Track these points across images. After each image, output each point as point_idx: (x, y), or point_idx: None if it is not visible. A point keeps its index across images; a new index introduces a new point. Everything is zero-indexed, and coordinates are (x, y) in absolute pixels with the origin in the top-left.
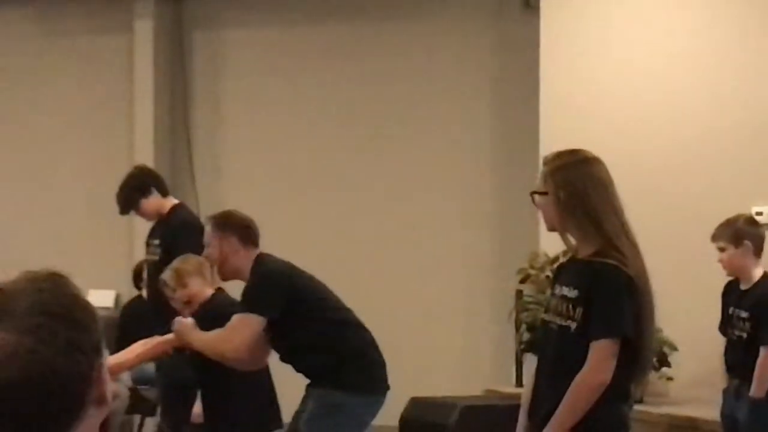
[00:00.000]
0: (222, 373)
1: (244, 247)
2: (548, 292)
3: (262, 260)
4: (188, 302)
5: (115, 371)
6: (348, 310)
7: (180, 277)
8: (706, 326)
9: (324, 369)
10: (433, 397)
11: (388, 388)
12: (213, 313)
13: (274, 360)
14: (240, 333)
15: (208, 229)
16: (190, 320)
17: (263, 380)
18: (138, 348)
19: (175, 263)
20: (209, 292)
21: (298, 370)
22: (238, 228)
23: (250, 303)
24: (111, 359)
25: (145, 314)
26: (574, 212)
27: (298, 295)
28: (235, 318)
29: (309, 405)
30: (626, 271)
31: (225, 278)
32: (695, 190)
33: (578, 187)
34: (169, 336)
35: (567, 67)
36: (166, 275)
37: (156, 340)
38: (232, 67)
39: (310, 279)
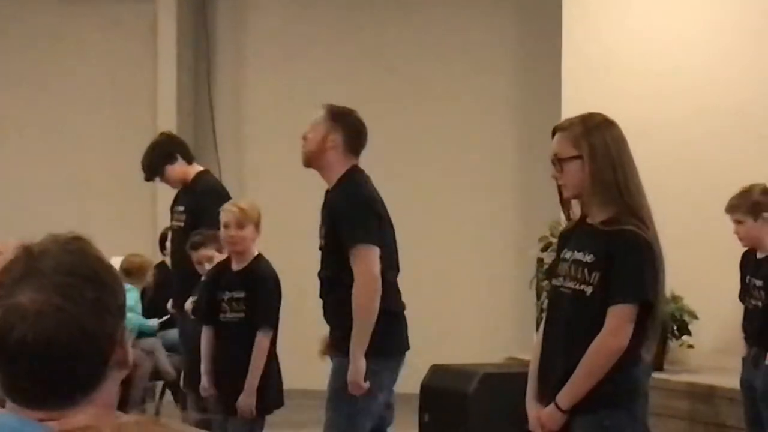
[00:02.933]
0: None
1: (344, 152)
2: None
3: (357, 178)
4: (233, 245)
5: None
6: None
7: (242, 218)
8: (726, 294)
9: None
10: (454, 364)
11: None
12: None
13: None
14: (372, 267)
15: (319, 113)
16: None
17: (276, 358)
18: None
19: (243, 204)
20: (255, 251)
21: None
22: (350, 130)
23: (362, 233)
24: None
25: (168, 280)
26: (606, 174)
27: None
28: (360, 252)
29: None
30: (645, 236)
31: (308, 165)
32: (715, 158)
33: (611, 148)
34: None
35: (589, 39)
36: (226, 214)
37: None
38: (255, 32)
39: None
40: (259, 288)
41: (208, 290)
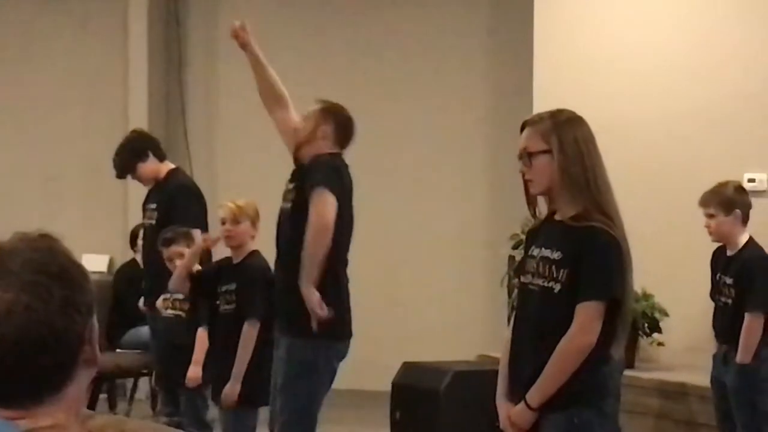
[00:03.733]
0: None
1: (333, 143)
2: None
3: (339, 161)
4: (229, 240)
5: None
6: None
7: (238, 213)
8: (697, 292)
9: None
10: (426, 362)
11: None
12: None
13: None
14: (328, 209)
15: (313, 106)
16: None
17: (268, 355)
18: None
19: (240, 201)
20: (252, 246)
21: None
22: (341, 124)
23: (326, 181)
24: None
25: (137, 278)
26: (575, 169)
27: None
28: (320, 194)
29: (282, 360)
30: (614, 233)
31: (297, 155)
32: (687, 157)
33: (580, 143)
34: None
35: (561, 36)
36: (224, 208)
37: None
38: (226, 30)
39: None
40: (248, 280)
41: (207, 290)
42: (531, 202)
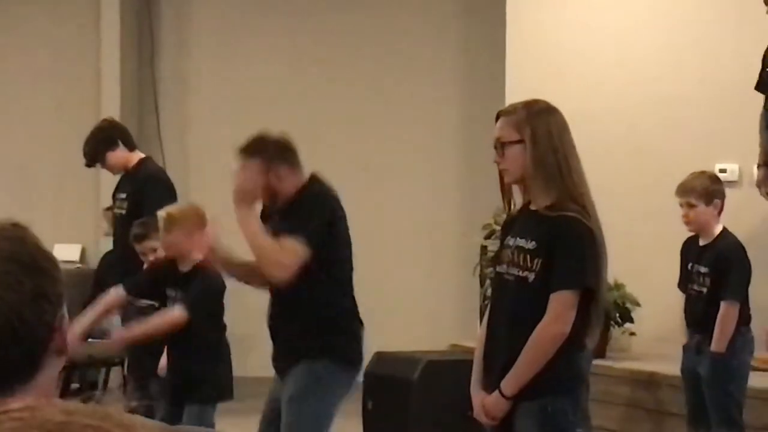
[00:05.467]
0: (193, 333)
1: (294, 172)
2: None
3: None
4: (164, 250)
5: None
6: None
7: (167, 223)
8: (668, 282)
9: (318, 335)
10: (398, 351)
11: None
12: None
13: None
14: (296, 257)
15: (245, 162)
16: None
17: (227, 349)
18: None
19: (173, 209)
20: (197, 256)
21: (286, 334)
22: (283, 153)
23: (304, 230)
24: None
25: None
26: (547, 159)
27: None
28: (292, 241)
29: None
30: (587, 223)
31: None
32: (659, 148)
33: (553, 134)
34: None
35: (534, 26)
36: (159, 217)
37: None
38: (198, 20)
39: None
40: (194, 299)
41: (155, 281)
42: (505, 192)
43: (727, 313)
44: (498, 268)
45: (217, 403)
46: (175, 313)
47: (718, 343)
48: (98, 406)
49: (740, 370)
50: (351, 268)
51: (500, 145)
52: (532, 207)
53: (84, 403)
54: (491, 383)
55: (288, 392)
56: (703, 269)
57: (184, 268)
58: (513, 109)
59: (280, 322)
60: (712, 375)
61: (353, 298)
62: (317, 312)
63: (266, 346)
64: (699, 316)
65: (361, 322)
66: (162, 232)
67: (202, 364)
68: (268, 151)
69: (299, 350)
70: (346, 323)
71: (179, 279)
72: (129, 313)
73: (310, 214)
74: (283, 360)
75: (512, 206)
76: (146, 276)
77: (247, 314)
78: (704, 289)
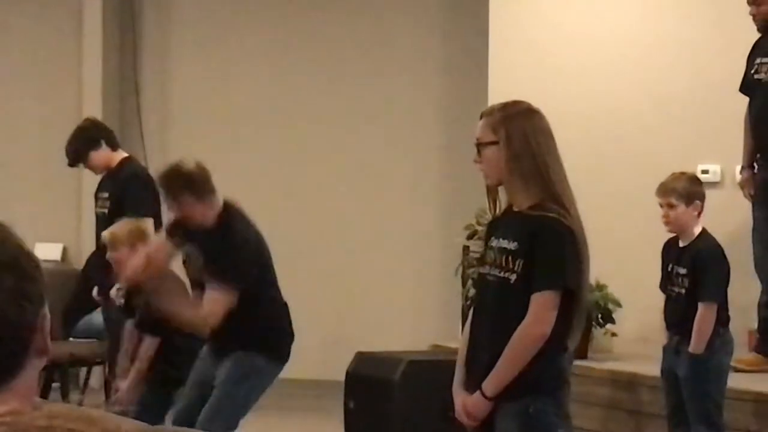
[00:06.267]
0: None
1: (199, 201)
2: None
3: (230, 220)
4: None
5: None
6: (277, 287)
7: (111, 242)
8: (650, 283)
9: (252, 334)
10: (379, 351)
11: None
12: None
13: None
14: (221, 306)
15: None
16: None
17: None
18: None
19: (115, 228)
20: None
21: (221, 334)
22: (192, 185)
23: (226, 274)
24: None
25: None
26: (523, 161)
27: (263, 271)
28: (214, 292)
29: (225, 366)
30: (568, 223)
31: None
32: (641, 148)
33: (528, 136)
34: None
35: (516, 25)
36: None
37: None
38: (181, 18)
39: (267, 248)
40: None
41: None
42: (489, 193)
43: (704, 314)
44: (481, 269)
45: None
46: (151, 345)
47: (695, 344)
48: (81, 409)
49: (718, 371)
50: (274, 279)
51: (477, 147)
52: (515, 208)
53: (64, 404)
54: (473, 384)
55: (220, 377)
56: (681, 270)
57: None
58: (491, 111)
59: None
60: (691, 376)
61: (281, 302)
62: (250, 323)
63: None
64: (678, 317)
65: (290, 321)
66: (109, 252)
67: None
68: (171, 186)
69: (235, 343)
70: (277, 322)
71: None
72: (110, 312)
73: (234, 255)
74: (219, 344)
75: (498, 207)
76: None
77: None
78: (683, 290)
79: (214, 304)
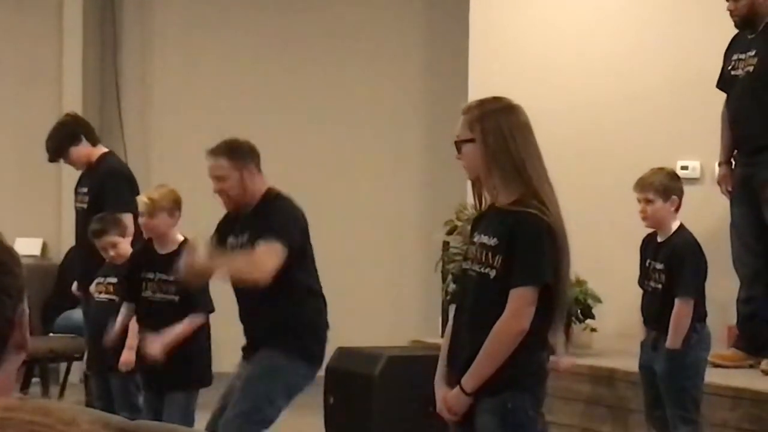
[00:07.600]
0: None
1: (259, 173)
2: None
3: (278, 193)
4: (148, 233)
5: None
6: (318, 279)
7: (151, 208)
8: (630, 279)
9: (286, 330)
10: (360, 347)
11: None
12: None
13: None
14: (275, 253)
15: (216, 161)
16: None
17: (207, 337)
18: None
19: (154, 194)
20: (178, 235)
21: (255, 327)
22: (253, 155)
23: (276, 230)
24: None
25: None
26: (500, 158)
27: (306, 245)
28: (266, 244)
29: (250, 366)
30: (546, 219)
31: (237, 209)
32: (621, 144)
33: (505, 132)
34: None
35: (497, 20)
36: (139, 201)
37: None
38: (162, 14)
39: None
40: None
41: (131, 270)
42: (475, 189)
43: (680, 309)
44: (464, 265)
45: (196, 389)
46: (195, 319)
47: (672, 339)
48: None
49: (695, 367)
50: (316, 273)
51: (456, 144)
52: (497, 204)
53: (44, 399)
54: (455, 379)
55: (247, 372)
56: (659, 266)
57: (165, 249)
58: (469, 108)
59: (250, 319)
60: (667, 371)
61: (323, 299)
62: (285, 311)
63: (236, 343)
64: (655, 313)
65: (327, 324)
66: (145, 217)
67: (190, 346)
68: (242, 152)
69: (267, 343)
70: (313, 322)
71: (159, 261)
72: (90, 307)
73: (285, 220)
74: (252, 350)
75: (483, 202)
76: (128, 275)
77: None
78: (660, 286)
79: (266, 250)
